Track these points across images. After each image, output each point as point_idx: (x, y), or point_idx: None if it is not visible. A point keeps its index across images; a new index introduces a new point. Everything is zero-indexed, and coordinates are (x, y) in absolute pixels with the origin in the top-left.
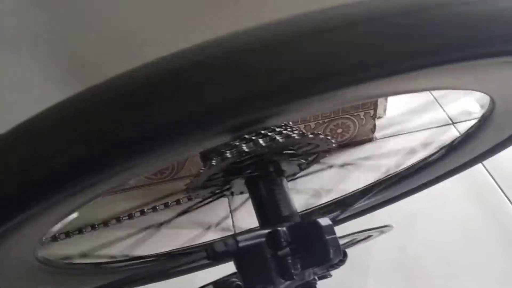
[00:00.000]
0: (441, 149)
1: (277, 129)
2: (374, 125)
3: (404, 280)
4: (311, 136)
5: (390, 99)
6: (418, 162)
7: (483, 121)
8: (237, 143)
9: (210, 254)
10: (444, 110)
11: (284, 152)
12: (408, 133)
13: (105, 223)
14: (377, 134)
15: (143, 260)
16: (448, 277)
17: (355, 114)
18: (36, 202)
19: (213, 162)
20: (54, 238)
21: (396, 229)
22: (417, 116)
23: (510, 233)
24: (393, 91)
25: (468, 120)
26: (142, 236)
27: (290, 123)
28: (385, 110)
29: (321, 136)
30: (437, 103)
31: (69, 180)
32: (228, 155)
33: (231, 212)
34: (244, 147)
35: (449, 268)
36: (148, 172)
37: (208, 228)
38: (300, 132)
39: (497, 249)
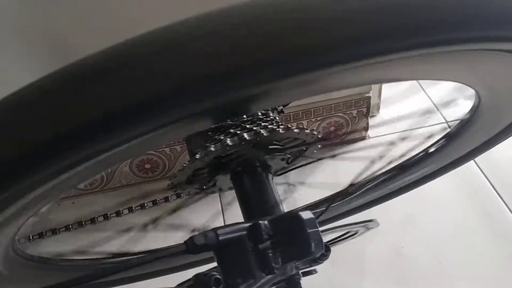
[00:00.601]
0: (429, 147)
1: (263, 124)
2: (367, 124)
3: (398, 280)
4: (296, 130)
5: (384, 97)
6: (406, 161)
7: (470, 117)
8: (222, 137)
9: (190, 247)
10: (438, 109)
11: (270, 147)
12: (401, 131)
13: (92, 221)
14: (370, 132)
15: (120, 256)
16: (442, 277)
17: (348, 112)
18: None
19: (197, 156)
20: (41, 235)
21: (391, 229)
22: (410, 114)
23: (503, 233)
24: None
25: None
26: (128, 237)
27: (277, 118)
28: (378, 108)
29: (307, 131)
30: (432, 102)
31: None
32: (212, 149)
33: (223, 210)
34: (228, 141)
35: (443, 268)
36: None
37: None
38: (286, 126)
39: (491, 250)
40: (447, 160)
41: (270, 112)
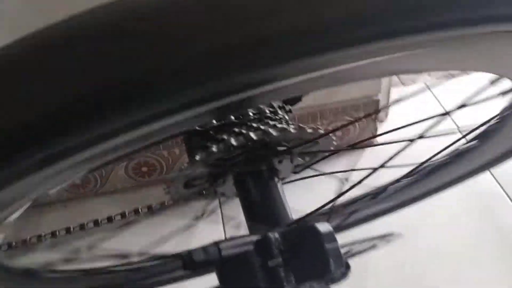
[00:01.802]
0: (459, 148)
1: (271, 122)
2: (376, 129)
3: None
4: (309, 130)
5: (392, 101)
6: (433, 163)
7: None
8: (225, 137)
9: (188, 263)
10: (449, 114)
11: (279, 149)
12: (410, 137)
13: (82, 226)
14: (378, 138)
15: (107, 269)
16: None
17: (356, 116)
18: None
19: (197, 157)
20: (24, 242)
21: (396, 242)
22: (420, 119)
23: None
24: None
25: (476, 127)
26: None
27: (286, 116)
28: (387, 114)
29: (321, 131)
30: (442, 107)
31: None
32: (214, 149)
33: (223, 221)
34: (233, 141)
35: (448, 278)
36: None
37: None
38: (298, 125)
39: (505, 267)
40: (478, 162)
41: (278, 110)
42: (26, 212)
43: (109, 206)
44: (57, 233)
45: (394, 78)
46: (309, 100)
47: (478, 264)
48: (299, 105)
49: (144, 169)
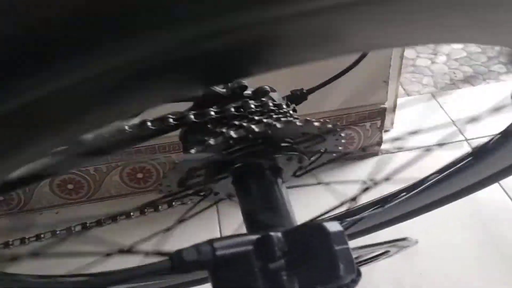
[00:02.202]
0: (478, 150)
1: (275, 116)
2: (381, 138)
3: None
4: (316, 124)
5: (398, 111)
6: (449, 168)
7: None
8: (224, 130)
9: (176, 264)
10: (456, 126)
11: (283, 145)
12: (417, 148)
13: (69, 229)
14: (383, 148)
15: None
16: None
17: (361, 124)
18: None
19: (192, 151)
20: (6, 245)
21: (395, 259)
22: (427, 130)
23: None
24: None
25: (483, 137)
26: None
27: (291, 111)
28: (392, 123)
29: (329, 126)
30: (449, 118)
31: None
32: (212, 142)
33: (219, 219)
34: (232, 134)
35: None
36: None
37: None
38: (304, 118)
39: (501, 268)
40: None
41: (283, 104)
42: (16, 219)
43: (102, 212)
44: (41, 236)
45: (400, 88)
46: (313, 107)
47: (480, 272)
48: (302, 111)
49: (140, 175)
